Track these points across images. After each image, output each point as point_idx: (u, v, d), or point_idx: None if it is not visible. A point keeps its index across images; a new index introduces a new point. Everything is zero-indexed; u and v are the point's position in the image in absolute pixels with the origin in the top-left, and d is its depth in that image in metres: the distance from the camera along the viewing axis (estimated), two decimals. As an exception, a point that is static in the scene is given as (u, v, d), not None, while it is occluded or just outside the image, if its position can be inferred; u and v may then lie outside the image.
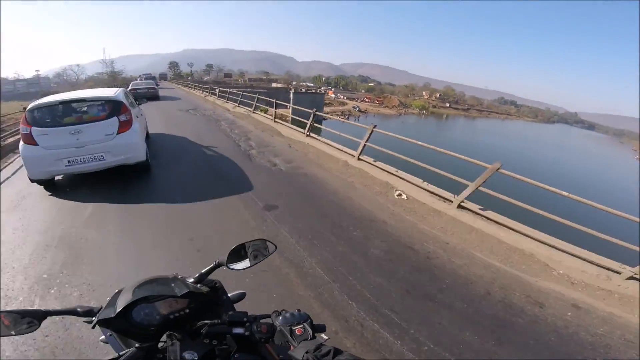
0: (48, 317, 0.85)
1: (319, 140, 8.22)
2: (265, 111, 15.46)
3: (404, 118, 68.50)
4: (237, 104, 15.12)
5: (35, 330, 0.83)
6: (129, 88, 19.28)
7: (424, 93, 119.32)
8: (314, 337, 0.79)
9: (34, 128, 4.46)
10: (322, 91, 62.25)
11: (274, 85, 74.23)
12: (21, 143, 4.50)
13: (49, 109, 4.71)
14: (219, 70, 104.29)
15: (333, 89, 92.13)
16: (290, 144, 8.12)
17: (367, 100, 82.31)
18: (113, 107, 4.90)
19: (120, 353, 0.79)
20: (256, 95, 13.27)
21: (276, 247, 1.08)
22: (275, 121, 10.88)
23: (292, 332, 0.79)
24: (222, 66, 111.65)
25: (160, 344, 0.84)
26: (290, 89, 48.88)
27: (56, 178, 4.89)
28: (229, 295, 1.03)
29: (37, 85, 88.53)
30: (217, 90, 21.24)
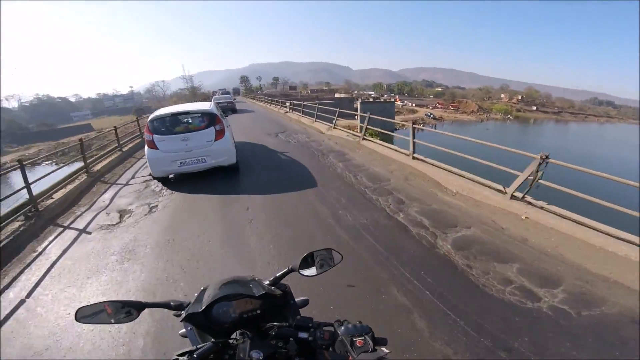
0: (145, 309, 0.97)
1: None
2: (359, 129, 13.52)
3: (487, 125, 60.54)
4: (314, 119, 14.42)
5: (132, 320, 0.95)
6: (213, 101, 21.97)
7: (502, 96, 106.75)
8: (374, 350, 0.79)
9: (155, 135, 5.65)
10: (389, 99, 58.74)
11: (337, 95, 73.14)
12: (146, 147, 5.74)
13: (163, 120, 5.87)
14: (284, 83, 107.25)
15: (397, 96, 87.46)
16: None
17: (439, 106, 75.65)
18: (210, 119, 5.97)
19: (198, 346, 0.83)
20: (337, 110, 12.23)
21: (342, 257, 1.11)
22: (365, 139, 9.22)
23: (352, 342, 0.79)
24: (286, 78, 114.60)
25: (230, 340, 0.87)
26: (357, 99, 46.85)
27: (170, 176, 6.26)
28: (295, 300, 1.07)
29: (132, 101, 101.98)
30: (288, 104, 20.84)
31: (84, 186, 6.40)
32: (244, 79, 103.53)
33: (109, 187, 6.47)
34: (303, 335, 0.86)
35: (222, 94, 33.11)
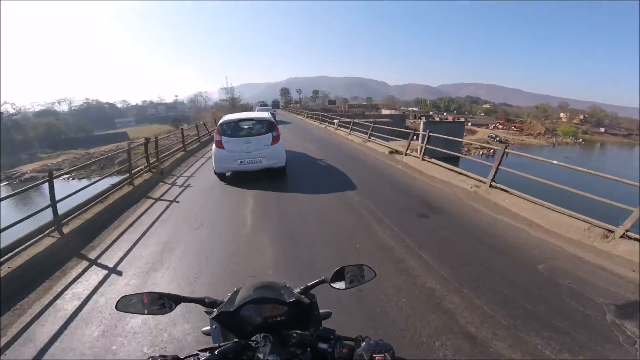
0: (182, 303, 0.99)
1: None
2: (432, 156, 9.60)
3: (561, 150, 52.44)
4: (367, 137, 13.21)
5: (167, 313, 0.97)
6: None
7: (561, 115, 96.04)
8: None
9: (223, 137, 6.67)
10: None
11: (384, 111, 67.32)
12: (214, 147, 6.77)
13: (230, 125, 6.92)
14: (323, 97, 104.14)
15: (445, 114, 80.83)
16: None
17: (500, 126, 68.23)
18: (268, 126, 6.94)
19: (221, 344, 0.86)
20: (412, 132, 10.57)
21: (375, 274, 1.09)
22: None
23: (372, 358, 0.78)
24: (326, 92, 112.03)
25: (251, 342, 0.88)
26: (420, 117, 42.01)
27: (227, 174, 7.18)
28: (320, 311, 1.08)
29: (174, 110, 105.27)
30: (336, 122, 19.17)
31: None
32: (285, 91, 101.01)
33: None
34: (323, 346, 0.86)
35: (260, 106, 32.62)
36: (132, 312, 0.98)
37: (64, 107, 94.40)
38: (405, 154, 9.34)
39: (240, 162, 6.56)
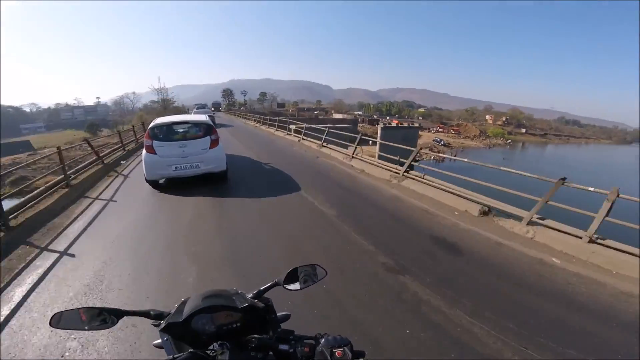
0: (124, 317, 0.95)
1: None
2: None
3: (497, 151, 56.77)
4: (321, 142, 12.46)
5: (109, 327, 0.93)
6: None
7: (487, 117, 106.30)
8: None
9: (154, 141, 6.15)
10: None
11: (336, 115, 66.17)
12: (144, 152, 6.21)
13: (162, 128, 6.40)
14: (272, 100, 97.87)
15: (387, 118, 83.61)
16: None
17: (440, 129, 71.50)
18: (206, 129, 6.56)
19: (175, 356, 0.84)
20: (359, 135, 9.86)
21: (327, 273, 1.11)
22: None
23: (332, 354, 0.81)
24: (275, 94, 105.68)
25: (208, 351, 0.87)
26: (378, 123, 41.86)
27: (160, 181, 6.61)
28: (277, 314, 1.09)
29: (95, 113, 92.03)
30: (292, 127, 17.42)
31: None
32: (227, 93, 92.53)
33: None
34: (284, 347, 0.87)
35: (198, 108, 29.93)
36: (70, 329, 0.95)
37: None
38: (353, 157, 9.51)
39: (175, 167, 6.20)
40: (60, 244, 4.15)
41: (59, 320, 0.92)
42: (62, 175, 6.57)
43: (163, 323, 0.94)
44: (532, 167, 35.12)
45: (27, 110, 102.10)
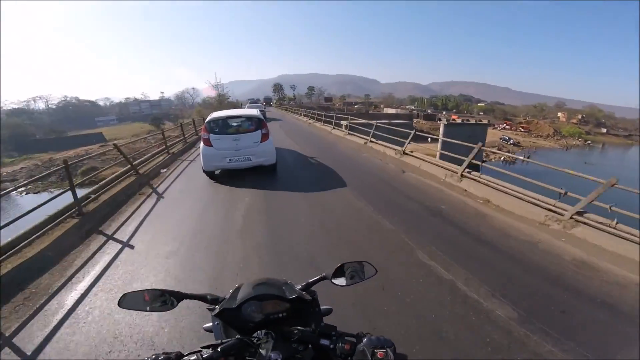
0: (184, 300, 1.00)
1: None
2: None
3: (575, 153, 49.68)
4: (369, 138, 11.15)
5: (168, 310, 0.98)
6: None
7: (559, 115, 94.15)
8: None
9: (211, 135, 6.48)
10: (481, 121, 49.08)
11: (387, 110, 62.59)
12: (202, 145, 6.56)
13: (218, 122, 6.72)
14: (319, 94, 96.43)
15: (444, 113, 77.80)
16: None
17: (507, 127, 64.00)
18: (258, 123, 6.79)
19: (223, 340, 0.87)
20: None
21: (376, 271, 1.10)
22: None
23: (373, 354, 0.79)
24: (323, 88, 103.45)
25: (254, 338, 0.88)
26: (438, 119, 38.83)
27: (216, 172, 6.92)
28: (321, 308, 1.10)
29: (159, 107, 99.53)
30: (343, 123, 15.35)
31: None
32: (278, 87, 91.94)
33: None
34: (325, 342, 0.87)
35: (251, 103, 32.32)
36: (134, 309, 0.98)
37: (40, 105, 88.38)
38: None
39: (229, 159, 6.50)
40: (124, 232, 4.48)
41: (126, 301, 0.97)
42: (129, 166, 7.14)
43: (217, 308, 0.98)
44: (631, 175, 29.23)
45: (102, 104, 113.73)
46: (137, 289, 0.99)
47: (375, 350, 0.78)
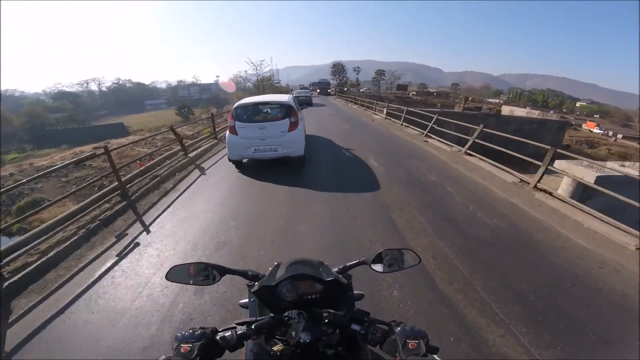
0: (227, 275, 1.04)
1: None
2: None
3: None
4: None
5: (210, 284, 1.02)
6: (294, 95, 19.81)
7: None
8: (425, 356, 0.78)
9: (237, 122, 6.08)
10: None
11: (518, 112, 40.55)
12: (228, 133, 6.23)
13: (245, 109, 6.26)
14: (392, 80, 74.00)
15: (551, 112, 59.99)
16: None
17: None
18: (286, 111, 6.24)
19: (258, 318, 0.89)
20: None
21: (420, 261, 1.07)
22: None
23: (405, 344, 0.78)
24: (398, 73, 76.90)
25: (285, 317, 0.91)
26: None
27: (243, 161, 6.56)
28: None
29: (209, 91, 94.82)
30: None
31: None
32: (338, 69, 69.70)
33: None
34: (356, 327, 0.86)
35: (301, 89, 37.19)
36: (179, 282, 1.02)
37: (93, 87, 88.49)
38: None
39: (254, 149, 6.08)
40: (177, 206, 4.91)
41: (172, 273, 1.01)
42: (180, 147, 8.02)
43: (257, 285, 1.00)
44: None
45: (157, 87, 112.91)
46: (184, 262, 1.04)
47: (408, 341, 0.77)
